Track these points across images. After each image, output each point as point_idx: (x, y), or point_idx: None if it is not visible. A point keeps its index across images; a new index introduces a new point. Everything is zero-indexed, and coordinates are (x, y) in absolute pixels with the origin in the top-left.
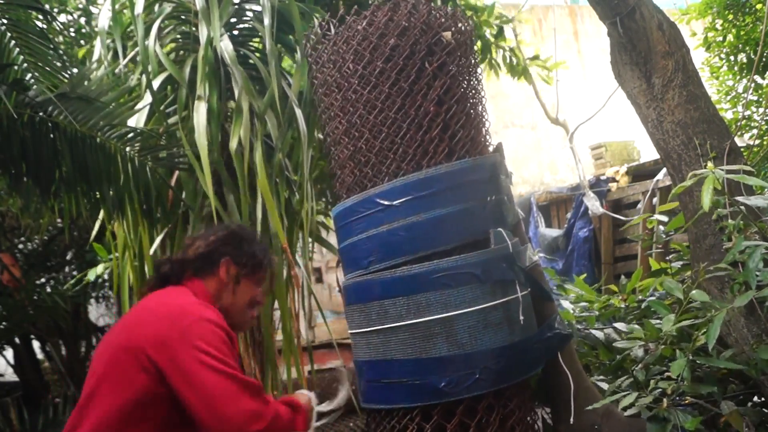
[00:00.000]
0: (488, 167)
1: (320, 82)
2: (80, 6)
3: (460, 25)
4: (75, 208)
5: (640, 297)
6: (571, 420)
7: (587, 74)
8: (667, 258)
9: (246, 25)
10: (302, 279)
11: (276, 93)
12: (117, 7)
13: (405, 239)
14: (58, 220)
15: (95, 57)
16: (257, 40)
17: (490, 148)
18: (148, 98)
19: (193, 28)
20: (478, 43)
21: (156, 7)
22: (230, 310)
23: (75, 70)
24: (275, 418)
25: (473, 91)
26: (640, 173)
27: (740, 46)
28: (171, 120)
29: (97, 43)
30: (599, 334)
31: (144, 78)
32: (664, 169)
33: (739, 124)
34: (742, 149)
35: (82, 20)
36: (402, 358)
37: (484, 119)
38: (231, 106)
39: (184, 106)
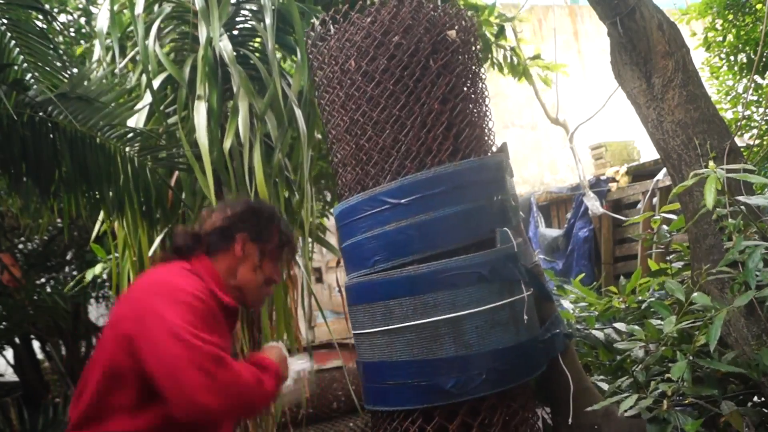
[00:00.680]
0: (495, 166)
1: (321, 78)
2: (80, 6)
3: (464, 23)
4: (75, 208)
5: (639, 298)
6: (571, 420)
7: (587, 74)
8: (668, 258)
9: (245, 25)
10: (302, 279)
11: (278, 92)
12: (117, 7)
13: (413, 238)
14: (58, 220)
15: (95, 57)
16: (257, 40)
17: (494, 148)
18: (148, 98)
19: (193, 28)
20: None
21: (156, 8)
22: (246, 287)
23: (75, 70)
24: (233, 384)
25: (478, 91)
26: (640, 173)
27: (740, 46)
28: (171, 120)
29: (97, 43)
30: (599, 335)
31: (144, 78)
32: (664, 169)
33: (739, 124)
34: (742, 149)
35: (82, 20)
36: (408, 360)
37: (488, 119)
38: (231, 106)
39: (184, 106)
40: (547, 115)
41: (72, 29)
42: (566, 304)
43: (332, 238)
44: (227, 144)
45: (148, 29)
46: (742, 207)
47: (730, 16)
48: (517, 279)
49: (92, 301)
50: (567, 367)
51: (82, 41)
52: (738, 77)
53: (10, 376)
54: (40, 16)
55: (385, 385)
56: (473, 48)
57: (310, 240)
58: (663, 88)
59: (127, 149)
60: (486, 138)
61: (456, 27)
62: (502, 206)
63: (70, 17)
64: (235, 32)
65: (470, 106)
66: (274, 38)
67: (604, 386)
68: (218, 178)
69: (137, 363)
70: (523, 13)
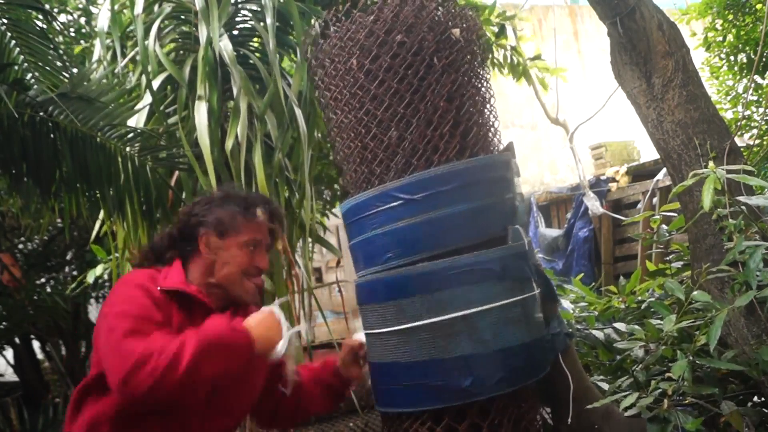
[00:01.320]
0: (504, 165)
1: (322, 77)
2: (80, 6)
3: (468, 22)
4: (75, 208)
5: (639, 298)
6: (571, 420)
7: (587, 74)
8: (667, 258)
9: (246, 25)
10: (302, 279)
11: (280, 92)
12: (117, 7)
13: (426, 234)
14: (58, 220)
15: (95, 57)
16: (257, 40)
17: (500, 147)
18: (148, 98)
19: (193, 28)
20: None
21: (156, 8)
22: (224, 282)
23: (75, 70)
24: (179, 351)
25: (483, 89)
26: (640, 173)
27: (740, 46)
28: (171, 120)
29: (97, 43)
30: (599, 335)
31: (144, 78)
32: (664, 169)
33: (739, 124)
34: (742, 149)
35: (82, 20)
36: (422, 359)
37: (493, 118)
38: (231, 106)
39: (184, 106)
40: (547, 115)
41: (72, 29)
42: (566, 303)
43: (332, 238)
44: (229, 144)
45: (148, 29)
46: (743, 207)
47: (730, 16)
48: (528, 276)
49: (92, 301)
50: (567, 366)
51: (82, 41)
52: (738, 77)
53: (10, 376)
54: (41, 16)
55: (399, 386)
56: (477, 47)
57: (310, 240)
58: (663, 88)
59: (128, 149)
60: (492, 137)
61: (461, 25)
62: (511, 204)
63: (70, 17)
64: (236, 32)
65: (476, 104)
66: (274, 38)
67: (604, 386)
68: (219, 178)
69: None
70: (523, 13)
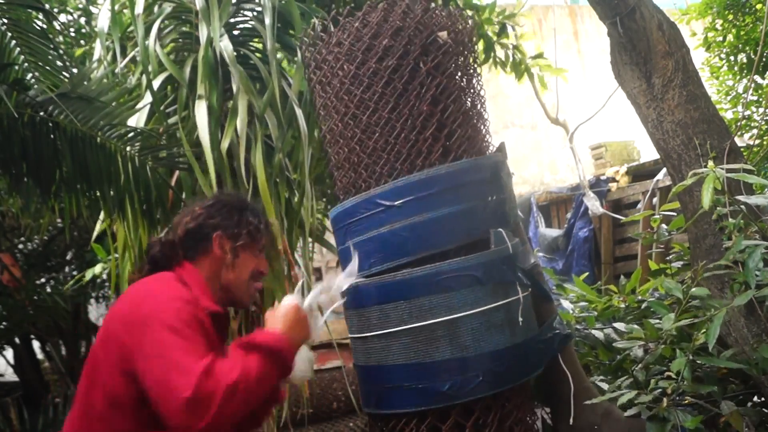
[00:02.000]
0: (489, 167)
1: (315, 83)
2: (80, 6)
3: (458, 24)
4: (75, 208)
5: (639, 297)
6: (571, 420)
7: (587, 74)
8: (667, 258)
9: (246, 25)
10: (302, 279)
11: (276, 92)
12: (117, 7)
13: (407, 240)
14: (58, 220)
15: (95, 57)
16: (257, 40)
17: (491, 148)
18: (148, 98)
19: (194, 28)
20: (481, 42)
21: (156, 8)
22: (231, 286)
23: (75, 70)
24: (230, 391)
25: (471, 91)
26: (640, 173)
27: (740, 46)
28: (171, 120)
29: (97, 43)
30: (599, 334)
31: (144, 78)
32: (664, 169)
33: (739, 124)
34: (742, 149)
35: (82, 20)
36: (404, 363)
37: (483, 118)
38: (230, 106)
39: (184, 106)
40: (547, 115)
41: (72, 29)
42: (566, 304)
43: (332, 238)
44: (225, 143)
45: (148, 29)
46: (742, 207)
47: (730, 16)
48: (512, 281)
49: (92, 301)
50: (567, 367)
51: (82, 41)
52: (738, 77)
53: (10, 376)
54: (41, 16)
55: (383, 388)
56: (467, 48)
57: (310, 240)
58: (663, 88)
59: (128, 149)
60: (481, 138)
61: (449, 28)
62: (497, 207)
63: (70, 17)
64: (236, 32)
65: (463, 106)
66: (273, 38)
67: (604, 386)
68: (219, 178)
69: (133, 383)
70: (524, 12)
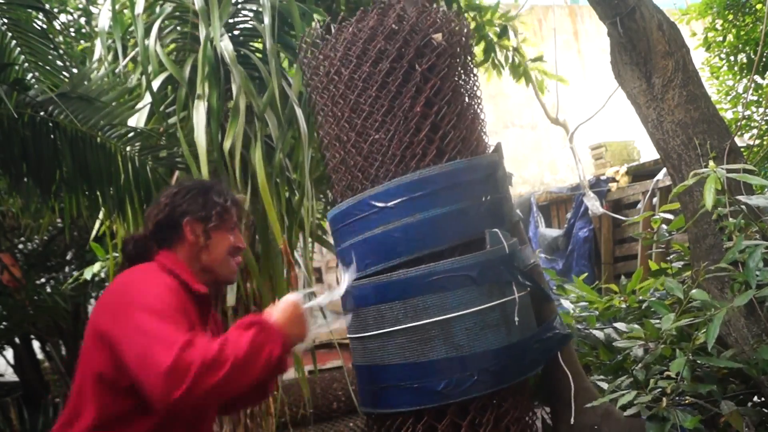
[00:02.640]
0: (484, 167)
1: (313, 87)
2: (80, 6)
3: (453, 25)
4: (75, 208)
5: (640, 297)
6: (571, 420)
7: (587, 74)
8: (668, 258)
9: (246, 25)
10: (303, 279)
11: (276, 92)
12: (117, 7)
13: (400, 240)
14: (58, 220)
15: (95, 57)
16: (258, 40)
17: (489, 148)
18: (148, 98)
19: (194, 28)
20: (482, 44)
21: (156, 8)
22: (212, 265)
23: (75, 70)
24: (211, 364)
25: (467, 92)
26: (640, 173)
27: (740, 46)
28: (171, 120)
29: (98, 43)
30: (599, 334)
31: (144, 78)
32: (664, 169)
33: (739, 124)
34: (742, 149)
35: (82, 20)
36: (400, 363)
37: (479, 119)
38: (231, 106)
39: (184, 106)
40: (547, 115)
41: (72, 29)
42: (566, 304)
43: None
44: (227, 144)
45: (149, 29)
46: (743, 207)
47: (730, 16)
48: (507, 280)
49: (92, 301)
50: (567, 367)
51: (82, 41)
52: (738, 77)
53: (10, 376)
54: (41, 16)
55: (379, 387)
56: (462, 49)
57: (310, 240)
58: (663, 88)
59: (128, 149)
60: (476, 139)
61: (444, 30)
62: (492, 206)
63: (70, 17)
64: (236, 32)
65: (458, 107)
66: (272, 37)
67: (604, 386)
68: (219, 178)
69: (120, 368)
70: (523, 13)
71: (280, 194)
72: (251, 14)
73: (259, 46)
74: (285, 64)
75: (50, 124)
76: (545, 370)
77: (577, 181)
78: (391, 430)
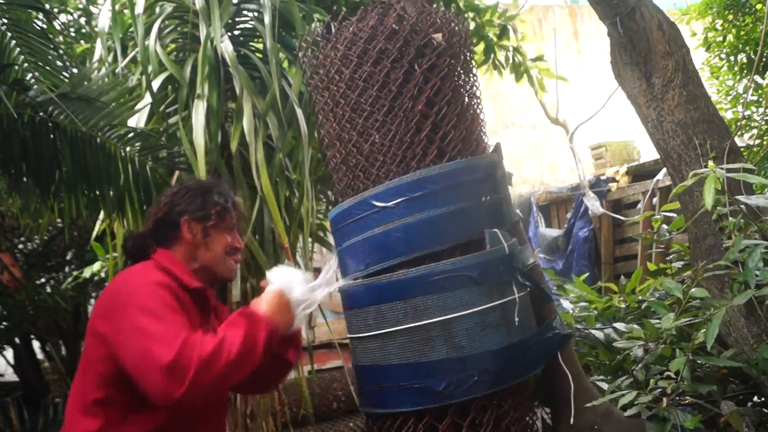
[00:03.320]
0: (483, 167)
1: (313, 86)
2: (80, 6)
3: (453, 26)
4: (75, 208)
5: (640, 297)
6: (571, 420)
7: (587, 74)
8: (668, 258)
9: (246, 26)
10: (286, 261)
11: (277, 93)
12: (117, 7)
13: (400, 240)
14: (58, 220)
15: (96, 57)
16: (258, 40)
17: (488, 148)
18: (148, 98)
19: (194, 29)
20: (481, 44)
21: (157, 8)
22: (210, 264)
23: (75, 70)
24: (209, 360)
25: (467, 92)
26: (640, 173)
27: (740, 46)
28: (171, 120)
29: (98, 43)
30: (599, 334)
31: (144, 78)
32: (664, 169)
33: (739, 124)
34: (742, 149)
35: (82, 20)
36: (400, 363)
37: (479, 119)
38: (231, 107)
39: (185, 106)
40: (547, 115)
41: (72, 29)
42: (566, 304)
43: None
44: (234, 145)
45: (149, 29)
46: (742, 207)
47: (730, 17)
48: (508, 281)
49: (92, 301)
50: (567, 367)
51: (82, 41)
52: (738, 77)
53: (10, 376)
54: (41, 16)
55: (380, 387)
56: (462, 49)
57: (310, 240)
58: (663, 88)
59: (128, 149)
60: (476, 139)
61: (444, 30)
62: (492, 206)
63: (70, 17)
64: (236, 32)
65: (457, 107)
66: (272, 37)
67: (604, 386)
68: (219, 178)
69: (119, 369)
70: (523, 12)
71: (280, 194)
72: (251, 14)
73: (260, 46)
74: (285, 64)
75: (50, 125)
76: (545, 370)
77: (577, 181)
78: (392, 430)
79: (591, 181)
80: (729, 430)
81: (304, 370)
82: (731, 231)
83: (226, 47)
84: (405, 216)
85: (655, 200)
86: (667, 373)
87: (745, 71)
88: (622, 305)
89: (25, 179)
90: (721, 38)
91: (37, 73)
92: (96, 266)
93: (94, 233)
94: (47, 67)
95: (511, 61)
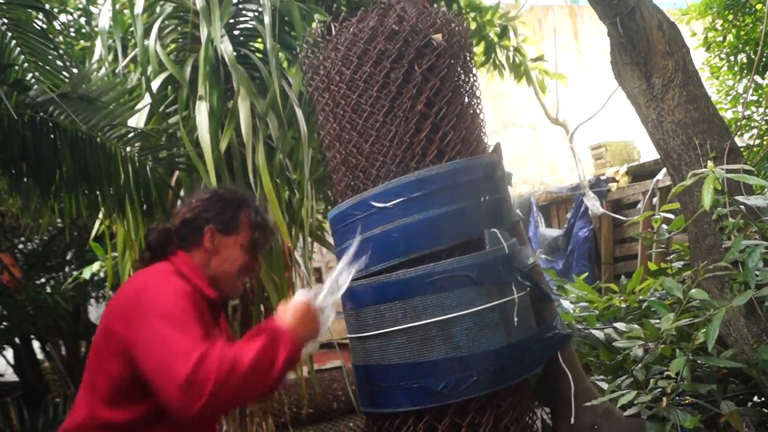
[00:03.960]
0: (482, 167)
1: (313, 87)
2: (80, 6)
3: (453, 26)
4: (75, 208)
5: (640, 297)
6: (571, 420)
7: (587, 74)
8: (668, 258)
9: (247, 26)
10: (302, 279)
11: (277, 93)
12: (117, 7)
13: (399, 241)
14: (58, 220)
15: (96, 57)
16: (258, 40)
17: (488, 148)
18: (148, 98)
19: (194, 29)
20: (482, 44)
21: (157, 8)
22: (219, 277)
23: (75, 70)
24: (226, 373)
25: (466, 92)
26: (640, 173)
27: (740, 46)
28: (171, 120)
29: (98, 43)
30: (599, 334)
31: (144, 78)
32: (664, 169)
33: (739, 124)
34: (742, 149)
35: (82, 20)
36: (399, 363)
37: (478, 119)
38: (231, 107)
39: (185, 106)
40: (547, 115)
41: (72, 29)
42: (566, 304)
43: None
44: (223, 144)
45: (149, 29)
46: (742, 207)
47: (730, 17)
48: (507, 281)
49: (92, 301)
50: (567, 367)
51: (82, 41)
52: (738, 77)
53: (10, 376)
54: (41, 16)
55: (379, 387)
56: (462, 49)
57: (310, 240)
58: (663, 88)
59: (128, 149)
60: (475, 139)
61: (443, 30)
62: (491, 207)
63: (70, 17)
64: (236, 32)
65: (457, 108)
66: (272, 37)
67: (604, 386)
68: (219, 178)
69: (135, 373)
70: (523, 12)
71: (280, 194)
72: (251, 14)
73: (260, 46)
74: (285, 64)
75: (50, 125)
76: (545, 370)
77: (577, 181)
78: (391, 430)
79: (591, 181)
80: (729, 430)
81: (304, 370)
82: (731, 231)
83: (226, 47)
84: (404, 216)
85: (655, 200)
86: (667, 373)
87: (745, 71)
88: (623, 305)
89: (25, 179)
90: (721, 38)
91: (37, 73)
92: (96, 266)
93: (94, 233)
94: (47, 67)
95: (511, 61)
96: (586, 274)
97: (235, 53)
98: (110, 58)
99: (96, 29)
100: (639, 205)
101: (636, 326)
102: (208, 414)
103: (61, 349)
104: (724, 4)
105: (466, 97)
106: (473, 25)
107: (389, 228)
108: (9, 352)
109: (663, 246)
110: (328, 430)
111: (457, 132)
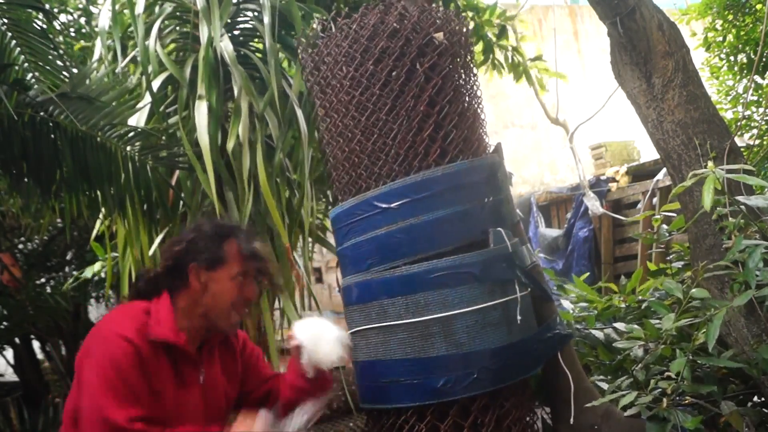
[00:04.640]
0: (486, 168)
1: (313, 84)
2: (80, 6)
3: (453, 25)
4: (75, 208)
5: (640, 297)
6: (571, 420)
7: (587, 74)
8: (668, 258)
9: (246, 25)
10: (302, 279)
11: (276, 93)
12: (117, 7)
13: (403, 242)
14: (58, 220)
15: (95, 57)
16: (258, 40)
17: (489, 148)
18: (148, 98)
19: (194, 28)
20: (480, 44)
21: (156, 8)
22: (209, 312)
23: (75, 70)
24: None
25: (468, 91)
26: (640, 173)
27: (740, 46)
28: (171, 120)
29: (98, 43)
30: (599, 334)
31: (144, 78)
32: (664, 169)
33: (739, 124)
34: (742, 149)
35: (82, 20)
36: (401, 358)
37: (480, 119)
38: (231, 107)
39: (185, 106)
40: (547, 115)
41: (72, 29)
42: (566, 304)
43: (332, 238)
44: (230, 144)
45: (149, 29)
46: (742, 207)
47: (730, 17)
48: (510, 279)
49: (92, 301)
50: (567, 367)
51: (82, 41)
52: (738, 77)
53: (10, 376)
54: (41, 16)
55: (380, 383)
56: (463, 48)
57: (310, 240)
58: (663, 88)
59: (128, 148)
60: (477, 139)
61: (445, 29)
62: (494, 207)
63: (70, 17)
64: (236, 32)
65: (459, 107)
66: (272, 37)
67: (604, 386)
68: (219, 178)
69: None
70: (523, 12)
71: (280, 194)
72: (251, 14)
73: (260, 46)
74: (285, 64)
75: (50, 124)
76: (545, 370)
77: (577, 181)
78: (392, 429)
79: (591, 181)
80: (729, 430)
81: None
82: (731, 231)
83: (226, 47)
84: (408, 217)
85: (655, 200)
86: (667, 373)
87: (745, 71)
88: (622, 305)
89: (25, 179)
90: (721, 38)
91: (37, 73)
92: (96, 266)
93: (94, 233)
94: (47, 67)
95: (510, 60)
96: (587, 274)
97: (235, 53)
98: (110, 58)
99: (96, 29)
100: (639, 205)
101: (636, 326)
102: None
103: (61, 349)
104: (724, 4)
105: (468, 97)
106: (471, 25)
107: (393, 229)
108: (9, 352)
109: (663, 246)
110: (328, 430)
111: (459, 131)
